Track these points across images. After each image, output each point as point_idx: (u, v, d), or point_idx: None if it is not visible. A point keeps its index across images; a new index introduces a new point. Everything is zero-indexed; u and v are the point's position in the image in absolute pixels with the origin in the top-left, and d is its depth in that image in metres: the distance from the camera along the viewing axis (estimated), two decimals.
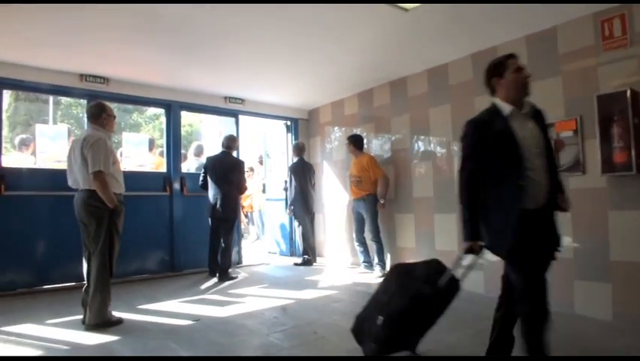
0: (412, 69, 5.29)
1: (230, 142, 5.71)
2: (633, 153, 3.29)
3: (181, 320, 3.76)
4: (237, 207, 5.63)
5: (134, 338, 3.30)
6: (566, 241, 3.76)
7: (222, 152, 5.68)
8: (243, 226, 10.73)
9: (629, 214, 3.45)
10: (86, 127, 3.75)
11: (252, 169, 10.17)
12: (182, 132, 6.69)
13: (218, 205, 5.42)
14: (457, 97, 4.85)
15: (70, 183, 3.64)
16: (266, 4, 3.49)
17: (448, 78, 4.94)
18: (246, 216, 10.47)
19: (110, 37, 4.16)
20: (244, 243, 9.75)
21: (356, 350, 3.00)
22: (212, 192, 5.51)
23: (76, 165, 3.52)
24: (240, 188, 5.69)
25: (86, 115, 3.73)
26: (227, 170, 5.54)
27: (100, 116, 3.66)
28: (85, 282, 3.57)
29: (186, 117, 14.48)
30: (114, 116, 3.81)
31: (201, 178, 5.65)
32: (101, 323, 3.50)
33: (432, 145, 5.16)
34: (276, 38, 4.29)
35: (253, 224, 10.26)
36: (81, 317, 3.59)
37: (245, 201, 10.13)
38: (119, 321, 3.65)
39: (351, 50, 4.62)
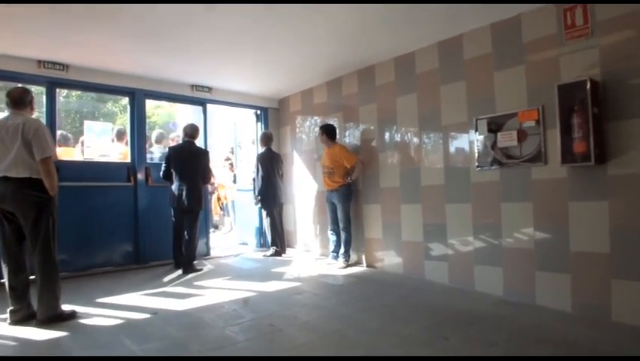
0: (379, 57, 5.22)
1: (194, 131, 5.56)
2: (592, 143, 3.27)
3: (138, 314, 3.65)
4: (202, 198, 5.50)
5: (86, 333, 3.21)
6: (528, 231, 3.80)
7: (185, 141, 5.53)
8: (217, 218, 10.62)
9: (588, 205, 3.45)
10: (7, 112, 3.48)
11: (229, 160, 9.96)
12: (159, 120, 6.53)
13: (183, 196, 5.29)
14: (423, 86, 4.80)
15: None
16: None
17: (415, 67, 4.88)
18: (222, 208, 10.34)
19: (69, 21, 3.96)
20: (218, 234, 9.70)
21: (310, 342, 2.97)
22: (175, 183, 5.37)
23: (9, 152, 3.28)
24: (205, 178, 5.57)
25: (9, 101, 3.44)
26: (191, 160, 5.41)
27: (31, 102, 3.52)
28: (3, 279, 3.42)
29: (165, 107, 14.27)
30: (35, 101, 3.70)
31: (163, 169, 5.48)
32: (53, 317, 3.38)
33: (399, 134, 5.11)
34: (239, 26, 4.18)
35: (228, 215, 10.14)
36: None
37: (220, 191, 10.01)
38: (72, 315, 3.53)
39: (314, 38, 4.54)
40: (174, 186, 5.39)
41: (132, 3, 3.54)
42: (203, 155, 5.62)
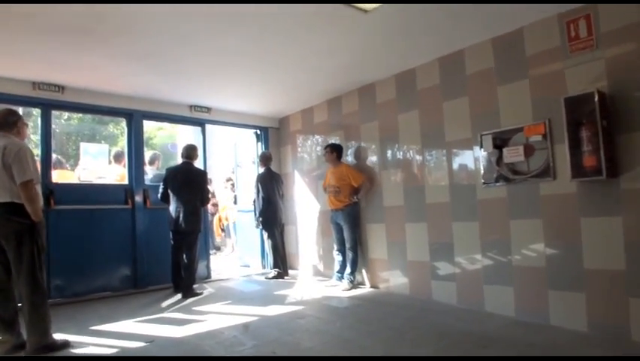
0: (379, 75, 5.15)
1: (191, 152, 5.46)
2: (602, 156, 3.16)
3: (133, 342, 3.50)
4: (200, 220, 5.38)
5: None
6: (538, 248, 3.66)
7: (183, 162, 5.43)
8: (219, 239, 10.48)
9: (601, 220, 3.32)
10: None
11: (230, 180, 9.85)
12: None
13: (180, 219, 5.17)
14: (425, 102, 4.72)
15: None
16: (218, 7, 3.30)
17: (416, 83, 4.80)
18: (222, 229, 10.21)
19: (64, 43, 3.90)
20: (220, 256, 9.54)
21: None
22: (173, 205, 5.25)
23: None
24: (203, 199, 5.45)
25: None
26: (189, 181, 5.30)
27: (16, 124, 3.39)
28: None
29: (167, 128, 14.23)
30: (27, 124, 3.58)
31: (161, 190, 5.37)
32: (43, 347, 3.21)
33: (401, 152, 5.01)
34: (235, 48, 4.15)
35: (229, 236, 9.99)
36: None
37: (222, 212, 9.89)
38: (65, 344, 3.38)
39: (312, 57, 4.50)
40: (172, 208, 5.27)
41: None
42: (201, 176, 5.50)
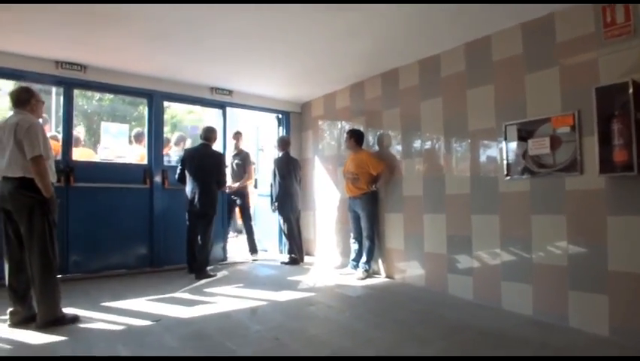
0: (403, 60, 4.98)
1: (209, 133, 5.43)
2: (635, 151, 2.96)
3: (140, 320, 3.50)
4: (216, 202, 5.36)
5: (83, 339, 3.07)
6: (561, 246, 3.48)
7: (201, 144, 5.42)
8: (240, 222, 10.47)
9: (630, 220, 3.11)
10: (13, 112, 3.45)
11: (253, 164, 9.85)
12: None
13: (195, 200, 5.17)
14: (448, 90, 4.54)
15: None
16: None
17: (440, 70, 4.62)
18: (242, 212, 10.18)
19: (85, 22, 3.90)
20: (242, 238, 9.53)
21: None
22: (189, 186, 5.27)
23: (6, 151, 3.24)
24: (220, 182, 5.42)
25: (10, 100, 3.43)
26: (205, 163, 5.29)
27: (29, 101, 3.41)
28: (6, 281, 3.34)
29: (198, 112, 14.34)
30: (43, 102, 3.59)
31: (178, 171, 5.39)
32: (52, 321, 3.27)
33: (423, 140, 4.85)
34: (249, 29, 4.07)
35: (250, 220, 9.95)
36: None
37: None
38: (74, 319, 3.42)
39: (334, 41, 4.39)
40: (188, 189, 5.29)
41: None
42: (217, 158, 5.48)
